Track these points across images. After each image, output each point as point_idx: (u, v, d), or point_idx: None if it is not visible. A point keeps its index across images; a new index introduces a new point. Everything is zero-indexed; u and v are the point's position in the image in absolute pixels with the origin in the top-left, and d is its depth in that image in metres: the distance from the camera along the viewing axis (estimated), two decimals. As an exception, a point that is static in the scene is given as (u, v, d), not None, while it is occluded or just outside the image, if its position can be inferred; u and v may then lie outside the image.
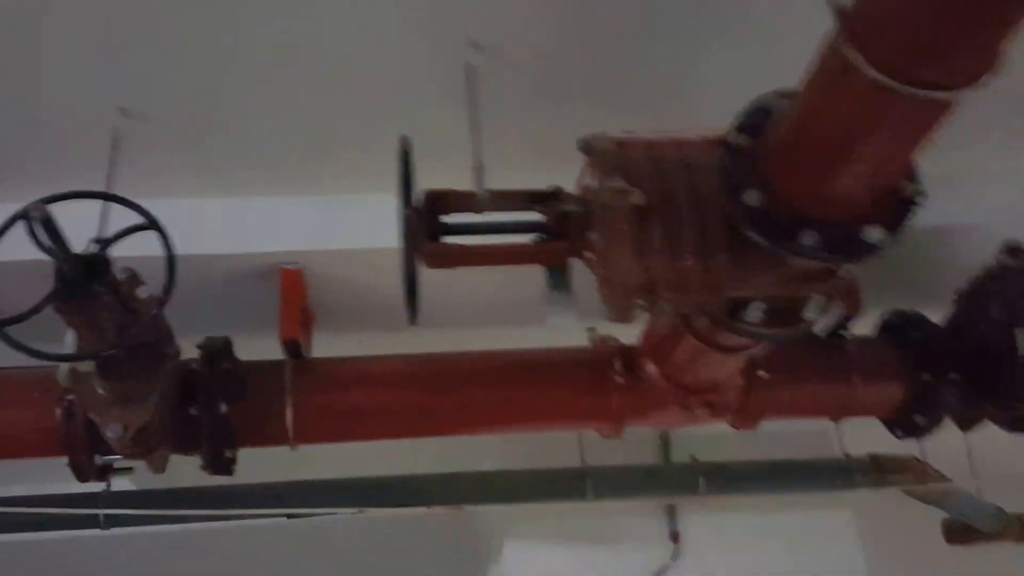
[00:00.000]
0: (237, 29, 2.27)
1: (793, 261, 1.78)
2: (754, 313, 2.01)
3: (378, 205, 2.63)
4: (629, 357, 2.70)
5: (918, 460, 3.78)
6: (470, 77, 2.33)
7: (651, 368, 2.64)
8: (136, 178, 2.43)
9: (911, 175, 1.76)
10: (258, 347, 2.66)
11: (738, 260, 1.83)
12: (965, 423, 2.88)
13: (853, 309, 2.02)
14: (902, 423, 2.85)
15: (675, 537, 4.19)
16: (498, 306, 3.11)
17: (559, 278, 2.07)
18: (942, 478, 3.96)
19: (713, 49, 2.38)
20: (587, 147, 1.95)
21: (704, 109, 1.92)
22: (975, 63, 1.37)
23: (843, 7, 1.40)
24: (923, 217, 3.20)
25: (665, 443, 4.16)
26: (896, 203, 1.74)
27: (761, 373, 2.70)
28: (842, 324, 2.62)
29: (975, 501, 4.33)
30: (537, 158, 2.35)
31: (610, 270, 1.89)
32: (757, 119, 1.77)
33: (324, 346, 2.89)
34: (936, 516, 4.06)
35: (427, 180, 2.09)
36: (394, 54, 2.38)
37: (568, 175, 2.04)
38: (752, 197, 1.73)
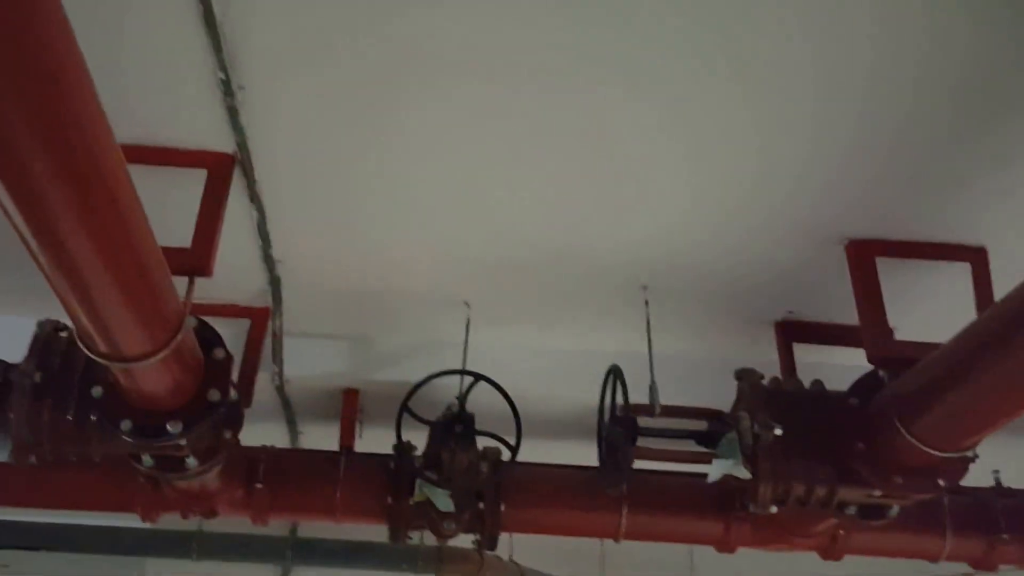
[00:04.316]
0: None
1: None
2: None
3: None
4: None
5: (479, 553, 4.57)
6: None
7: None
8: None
9: (224, 388, 2.55)
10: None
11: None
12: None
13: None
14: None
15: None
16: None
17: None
18: (516, 570, 4.74)
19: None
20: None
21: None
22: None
23: None
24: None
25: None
26: (201, 405, 2.52)
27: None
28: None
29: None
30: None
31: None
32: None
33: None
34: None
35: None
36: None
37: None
38: (97, 391, 2.51)
